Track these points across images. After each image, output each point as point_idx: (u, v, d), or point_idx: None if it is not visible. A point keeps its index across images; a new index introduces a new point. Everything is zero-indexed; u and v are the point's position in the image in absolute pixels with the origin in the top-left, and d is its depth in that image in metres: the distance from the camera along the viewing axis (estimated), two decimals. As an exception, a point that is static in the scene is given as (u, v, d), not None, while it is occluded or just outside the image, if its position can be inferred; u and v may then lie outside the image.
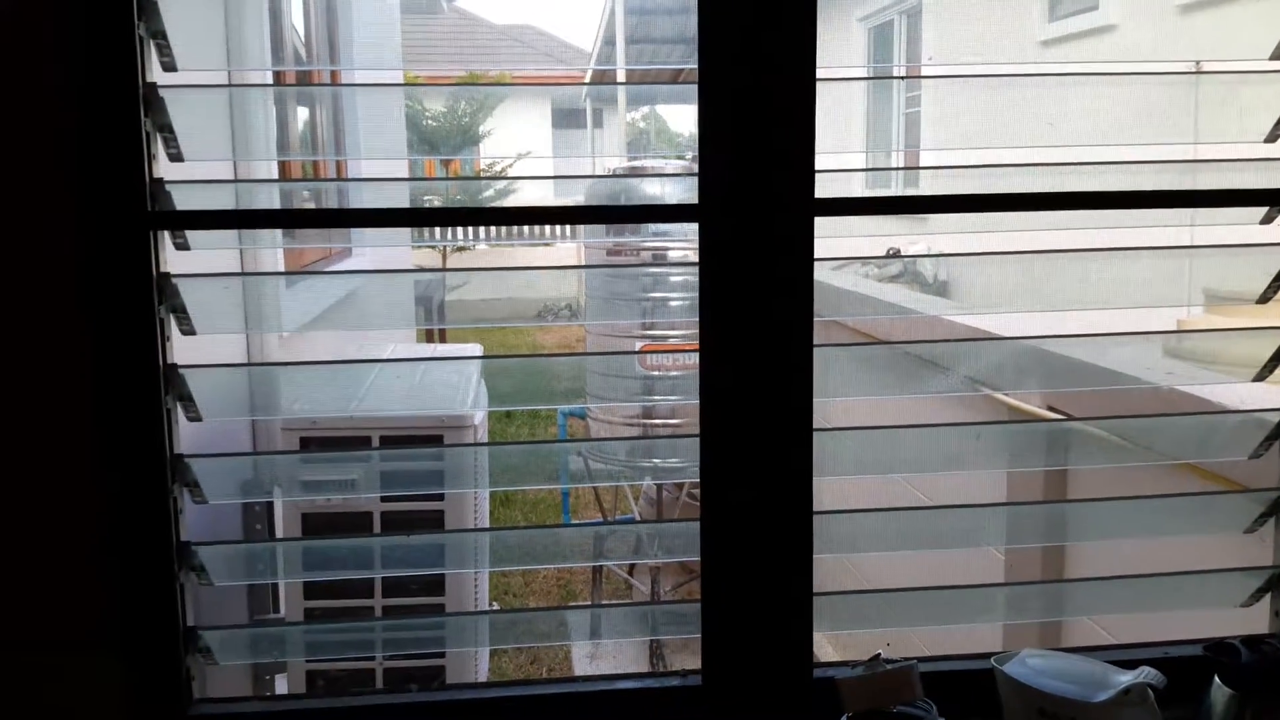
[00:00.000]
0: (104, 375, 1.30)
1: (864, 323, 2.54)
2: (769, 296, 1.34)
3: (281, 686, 2.40)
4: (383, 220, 1.44)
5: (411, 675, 2.36)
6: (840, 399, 1.46)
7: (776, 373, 1.36)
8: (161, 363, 1.33)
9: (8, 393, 1.30)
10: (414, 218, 1.48)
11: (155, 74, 1.30)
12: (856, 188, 1.44)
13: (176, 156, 1.34)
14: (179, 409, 1.37)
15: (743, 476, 1.36)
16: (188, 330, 1.38)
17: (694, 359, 1.37)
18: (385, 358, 2.43)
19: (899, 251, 4.01)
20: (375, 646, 1.54)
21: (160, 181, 1.32)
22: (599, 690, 1.39)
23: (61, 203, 1.27)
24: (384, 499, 2.34)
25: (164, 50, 1.31)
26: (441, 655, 2.34)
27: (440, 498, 2.41)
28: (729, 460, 1.36)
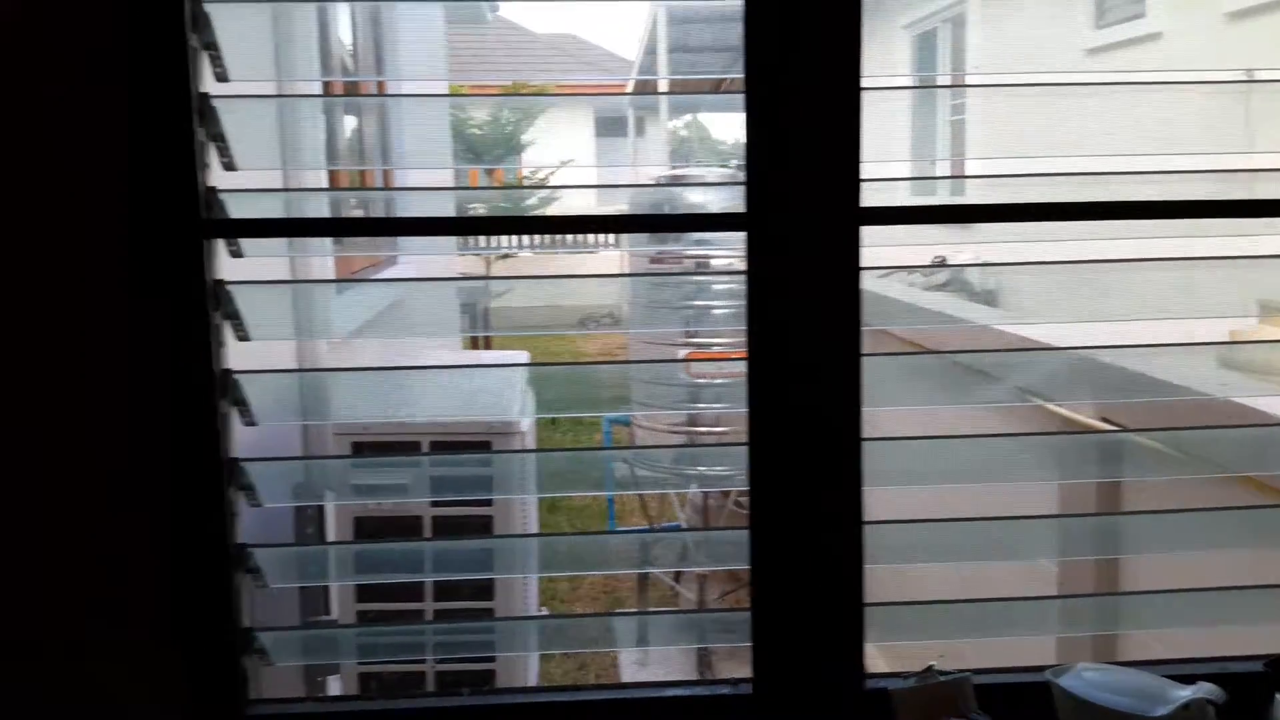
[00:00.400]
0: (161, 380, 1.33)
1: (911, 331, 2.52)
2: (816, 304, 1.34)
3: (333, 688, 2.42)
4: (431, 228, 1.46)
5: (462, 679, 2.37)
6: (889, 408, 1.45)
7: (825, 381, 1.35)
8: (217, 368, 1.35)
9: (67, 399, 1.32)
10: (461, 226, 1.50)
11: (208, 85, 1.32)
12: (901, 196, 1.43)
13: (229, 165, 1.36)
14: (234, 414, 1.39)
15: (792, 485, 1.36)
16: (242, 336, 1.40)
17: (740, 367, 1.37)
18: (434, 364, 2.45)
19: (945, 260, 3.98)
20: (426, 650, 1.55)
21: (213, 190, 1.34)
22: (649, 697, 1.39)
23: (117, 211, 1.30)
24: (434, 504, 2.36)
25: (216, 61, 1.33)
26: (491, 660, 2.36)
27: (489, 503, 2.43)
28: (778, 469, 1.36)
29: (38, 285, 1.30)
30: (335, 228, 1.61)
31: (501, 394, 2.54)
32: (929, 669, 1.19)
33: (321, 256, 2.63)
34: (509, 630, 1.70)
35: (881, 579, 1.41)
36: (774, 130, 1.31)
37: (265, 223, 1.40)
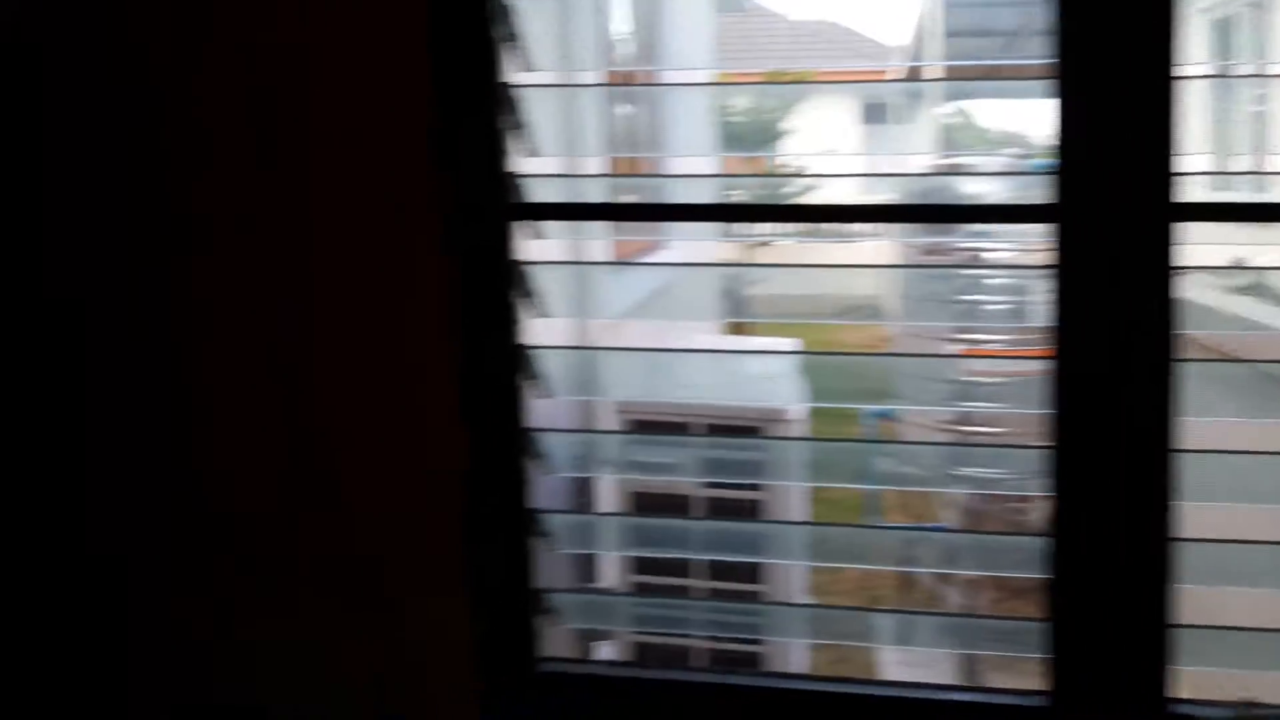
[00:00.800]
0: (472, 355, 1.41)
1: (1215, 337, 2.33)
2: (1128, 304, 1.26)
3: (599, 654, 2.50)
4: (716, 214, 1.50)
5: (729, 658, 2.40)
6: (1201, 418, 1.35)
7: (1135, 387, 1.27)
8: (518, 344, 1.42)
9: (394, 373, 1.43)
10: (746, 213, 1.51)
11: (510, 74, 1.39)
12: (1200, 192, 1.33)
13: (530, 151, 1.43)
14: (531, 387, 1.46)
15: (1097, 494, 1.29)
16: (539, 314, 1.46)
17: (1017, 366, 1.31)
18: (709, 348, 2.50)
19: (1245, 261, 3.64)
20: (696, 625, 1.59)
21: (514, 175, 1.40)
22: (933, 699, 1.36)
23: (434, 197, 1.39)
24: (705, 485, 2.41)
25: (517, 52, 1.39)
26: (757, 642, 2.38)
27: (757, 488, 2.46)
28: (1082, 477, 1.29)
29: (371, 270, 1.42)
30: (627, 213, 1.67)
31: (772, 381, 2.56)
32: (1247, 702, 1.11)
33: (601, 240, 2.72)
34: (776, 615, 1.71)
35: (1189, 599, 1.32)
36: (1086, 119, 1.24)
37: (567, 207, 1.46)
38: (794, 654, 2.49)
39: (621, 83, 3.78)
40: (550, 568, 1.49)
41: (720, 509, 2.50)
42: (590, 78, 3.28)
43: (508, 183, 1.40)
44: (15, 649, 1.60)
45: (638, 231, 3.04)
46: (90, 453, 1.54)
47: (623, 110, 4.27)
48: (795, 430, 2.49)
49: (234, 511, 1.52)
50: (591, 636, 1.86)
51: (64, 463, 1.55)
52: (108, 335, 1.51)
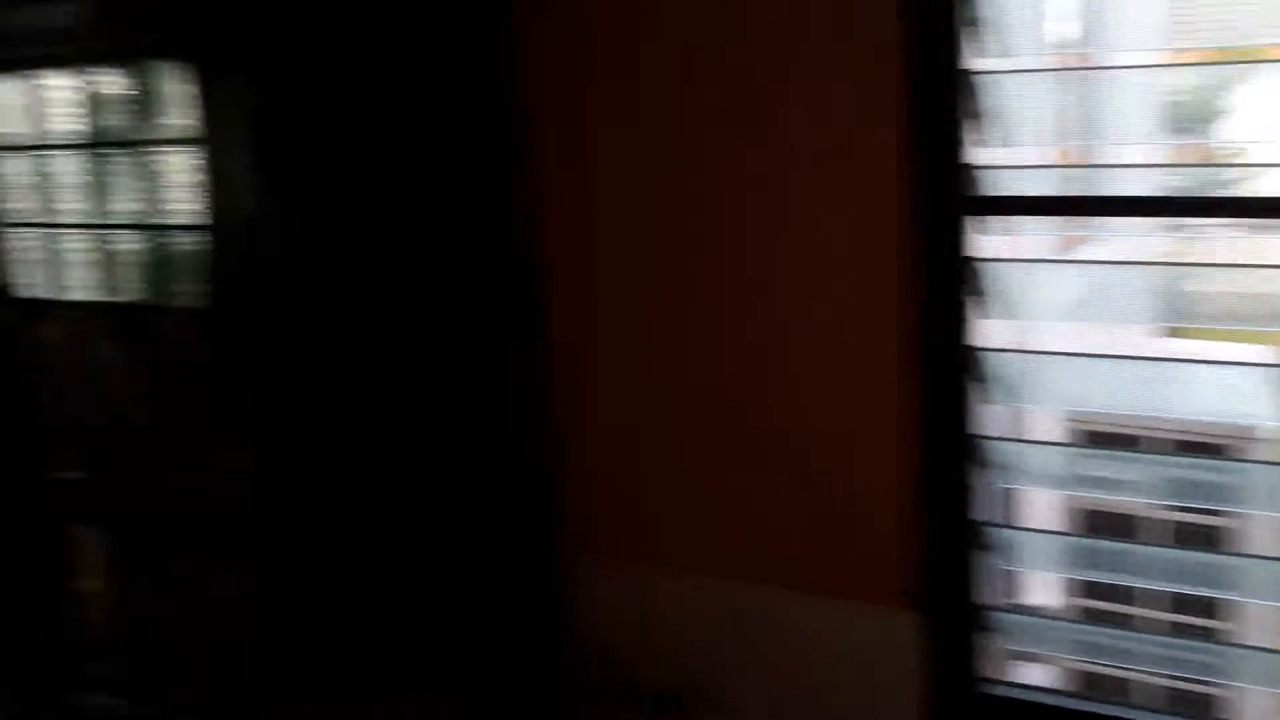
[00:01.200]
0: (926, 356, 1.39)
1: None
2: None
3: (1023, 675, 2.38)
4: (1190, 209, 1.39)
5: (1179, 698, 2.21)
6: None
7: None
8: (969, 346, 1.38)
9: (836, 370, 1.44)
10: (1213, 207, 1.38)
11: (970, 61, 1.34)
12: None
13: (988, 142, 1.36)
14: (979, 391, 1.40)
15: None
16: (989, 314, 1.40)
17: None
18: (1165, 355, 2.30)
19: None
20: (1144, 660, 1.47)
21: (971, 166, 1.35)
22: None
23: (896, 190, 1.37)
24: (1161, 506, 2.24)
25: (980, 37, 1.33)
26: (1213, 684, 2.17)
27: (1220, 513, 2.24)
28: None
29: (825, 254, 1.43)
30: (1083, 207, 1.56)
31: (1234, 394, 2.30)
32: None
33: (1040, 235, 2.58)
34: (1235, 656, 1.54)
35: None
36: None
37: (1021, 200, 1.39)
38: (1255, 701, 2.22)
39: (1075, 67, 3.56)
40: (992, 583, 1.43)
41: (1178, 534, 2.29)
42: (1037, 62, 3.12)
43: (965, 175, 1.35)
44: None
45: (1077, 226, 2.85)
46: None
47: (1063, 96, 4.00)
48: (1267, 452, 2.22)
49: (714, 514, 1.59)
50: (1028, 658, 1.76)
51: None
52: (602, 341, 1.64)
